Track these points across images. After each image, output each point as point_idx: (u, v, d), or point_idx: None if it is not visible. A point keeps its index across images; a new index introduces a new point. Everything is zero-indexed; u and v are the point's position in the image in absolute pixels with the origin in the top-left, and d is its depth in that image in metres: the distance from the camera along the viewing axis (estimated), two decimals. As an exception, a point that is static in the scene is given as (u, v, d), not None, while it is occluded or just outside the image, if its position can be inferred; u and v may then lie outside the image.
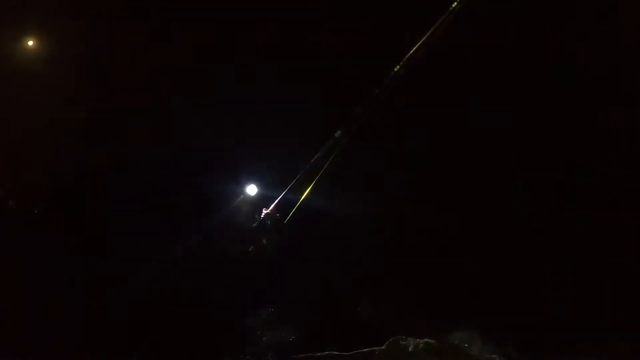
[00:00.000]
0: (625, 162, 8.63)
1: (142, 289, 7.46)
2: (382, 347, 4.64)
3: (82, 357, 6.00)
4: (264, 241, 7.19)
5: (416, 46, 5.98)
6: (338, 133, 6.37)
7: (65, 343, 6.07)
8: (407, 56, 6.06)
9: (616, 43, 8.14)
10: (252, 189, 7.24)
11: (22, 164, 9.64)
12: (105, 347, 5.87)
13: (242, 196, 7.37)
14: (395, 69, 6.15)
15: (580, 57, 8.31)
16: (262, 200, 7.25)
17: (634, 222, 8.75)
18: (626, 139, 8.48)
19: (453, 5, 5.86)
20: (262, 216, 6.85)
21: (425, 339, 4.81)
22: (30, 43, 9.26)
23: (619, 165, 8.82)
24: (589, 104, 8.64)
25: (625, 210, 9.29)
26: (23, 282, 6.70)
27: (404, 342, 4.65)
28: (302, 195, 6.45)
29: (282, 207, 6.70)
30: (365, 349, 4.62)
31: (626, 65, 8.24)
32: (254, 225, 7.28)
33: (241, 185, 7.36)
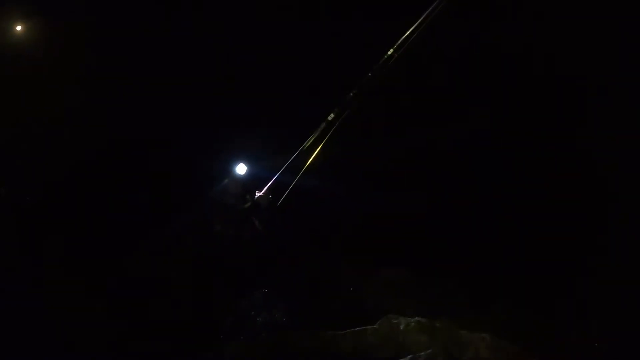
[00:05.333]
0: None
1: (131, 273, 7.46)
2: (374, 326, 4.66)
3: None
4: (256, 223, 7.20)
5: (410, 30, 6.01)
6: (331, 116, 6.39)
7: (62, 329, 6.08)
8: (400, 40, 6.10)
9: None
10: (241, 168, 7.20)
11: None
12: (100, 332, 5.80)
13: (231, 176, 7.34)
14: (389, 52, 6.18)
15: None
16: (252, 181, 7.24)
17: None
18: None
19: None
20: (254, 198, 6.85)
21: (417, 318, 4.85)
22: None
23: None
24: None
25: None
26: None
27: (395, 321, 4.69)
28: (295, 177, 6.46)
29: (275, 189, 6.70)
30: (358, 328, 4.65)
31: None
32: (245, 206, 7.29)
33: (230, 164, 7.32)
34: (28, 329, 5.81)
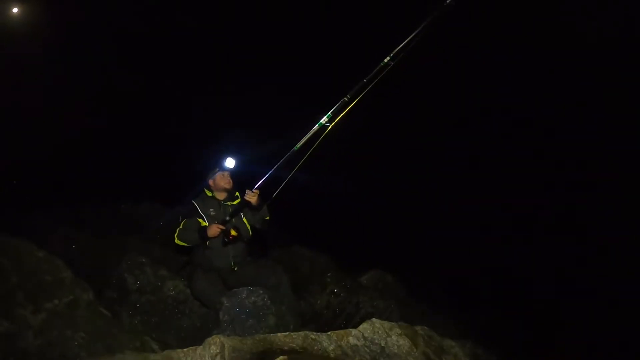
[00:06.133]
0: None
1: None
2: (358, 329, 4.73)
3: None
4: (245, 220, 7.23)
5: (408, 38, 6.10)
6: (324, 120, 6.45)
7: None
8: (398, 48, 6.18)
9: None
10: (229, 162, 7.20)
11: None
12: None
13: (217, 170, 7.35)
14: (385, 60, 6.27)
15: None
16: (240, 175, 7.26)
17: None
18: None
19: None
20: (244, 196, 6.88)
21: (400, 323, 4.92)
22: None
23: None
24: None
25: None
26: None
27: (378, 325, 4.75)
28: (287, 176, 6.51)
29: (266, 186, 6.75)
30: (341, 330, 4.71)
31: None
32: (234, 203, 7.33)
33: (218, 157, 7.32)
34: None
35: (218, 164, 7.31)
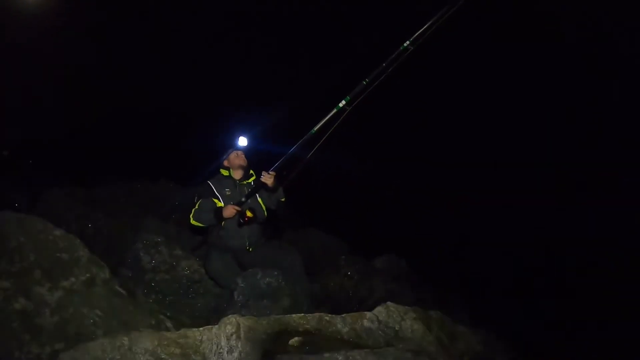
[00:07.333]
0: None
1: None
2: (373, 312, 4.74)
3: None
4: (260, 202, 7.24)
5: (428, 23, 6.05)
6: (342, 103, 6.43)
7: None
8: (417, 32, 6.13)
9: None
10: (242, 141, 7.23)
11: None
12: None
13: (230, 150, 7.38)
14: (405, 45, 6.22)
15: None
16: (255, 155, 7.28)
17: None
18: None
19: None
20: (260, 177, 6.88)
21: (414, 307, 4.93)
22: None
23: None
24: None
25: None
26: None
27: (392, 309, 4.76)
28: (304, 158, 6.51)
29: (283, 168, 6.75)
30: (356, 312, 4.73)
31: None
32: (250, 181, 7.34)
33: (232, 137, 7.35)
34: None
35: (232, 143, 7.35)
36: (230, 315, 4.42)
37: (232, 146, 7.39)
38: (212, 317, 6.42)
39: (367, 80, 6.32)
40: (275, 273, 6.79)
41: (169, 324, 6.05)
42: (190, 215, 7.12)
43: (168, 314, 6.68)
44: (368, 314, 4.89)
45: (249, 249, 7.22)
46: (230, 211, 6.90)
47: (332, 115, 6.43)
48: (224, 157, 7.45)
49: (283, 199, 7.33)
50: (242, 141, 7.25)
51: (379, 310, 4.95)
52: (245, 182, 7.37)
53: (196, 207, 7.11)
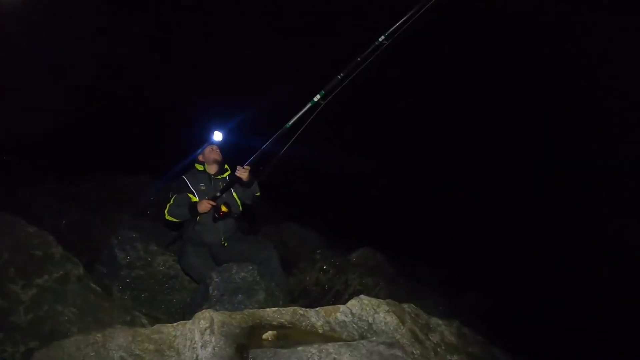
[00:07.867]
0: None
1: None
2: (346, 305, 4.78)
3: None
4: (235, 196, 7.24)
5: (404, 18, 6.08)
6: (317, 97, 6.45)
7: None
8: (392, 27, 6.16)
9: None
10: (217, 136, 7.23)
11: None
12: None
13: (205, 144, 7.37)
14: (380, 39, 6.25)
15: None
16: (230, 150, 7.27)
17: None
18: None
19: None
20: (235, 172, 6.87)
21: (388, 300, 4.97)
22: None
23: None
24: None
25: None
26: None
27: (366, 302, 4.80)
28: (278, 153, 6.52)
29: (257, 163, 6.75)
30: (330, 306, 4.75)
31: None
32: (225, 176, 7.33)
33: (206, 131, 7.34)
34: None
35: (206, 138, 7.34)
36: (204, 310, 4.42)
37: (207, 140, 7.38)
38: (188, 312, 6.41)
39: (342, 74, 6.34)
40: (251, 268, 6.79)
41: (144, 321, 6.03)
42: (165, 211, 7.09)
43: (143, 311, 6.66)
44: (342, 307, 4.92)
45: (224, 243, 7.22)
46: (205, 206, 6.90)
47: (306, 110, 6.44)
48: (199, 151, 7.43)
49: (258, 194, 7.33)
50: (217, 136, 7.24)
51: (353, 303, 4.98)
52: (220, 177, 7.37)
53: (171, 202, 7.09)
